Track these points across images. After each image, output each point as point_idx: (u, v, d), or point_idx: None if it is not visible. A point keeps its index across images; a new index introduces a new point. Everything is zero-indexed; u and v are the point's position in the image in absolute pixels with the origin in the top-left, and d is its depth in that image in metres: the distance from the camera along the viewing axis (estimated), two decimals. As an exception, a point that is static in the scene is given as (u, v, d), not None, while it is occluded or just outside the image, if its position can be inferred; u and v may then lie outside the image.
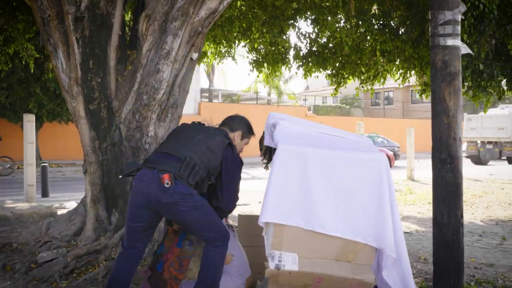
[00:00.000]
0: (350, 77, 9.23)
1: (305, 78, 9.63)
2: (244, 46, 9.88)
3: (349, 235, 2.70)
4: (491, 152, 19.25)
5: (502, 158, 20.12)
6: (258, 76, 11.33)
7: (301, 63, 9.41)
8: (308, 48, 9.36)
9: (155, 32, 4.66)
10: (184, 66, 5.04)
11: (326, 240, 2.70)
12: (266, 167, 4.48)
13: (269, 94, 34.83)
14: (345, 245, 2.71)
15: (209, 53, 10.44)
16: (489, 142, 19.34)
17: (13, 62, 12.58)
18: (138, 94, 4.77)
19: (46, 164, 10.47)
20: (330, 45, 9.11)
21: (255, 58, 9.63)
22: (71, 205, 7.51)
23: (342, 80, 9.25)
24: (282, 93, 34.02)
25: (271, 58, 9.32)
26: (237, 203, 3.46)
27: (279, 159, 2.83)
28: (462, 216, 3.60)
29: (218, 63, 11.70)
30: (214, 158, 3.10)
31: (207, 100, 31.03)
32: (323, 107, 38.94)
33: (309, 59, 9.23)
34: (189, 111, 27.73)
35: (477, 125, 19.86)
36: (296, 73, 27.62)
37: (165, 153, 3.06)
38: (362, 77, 9.21)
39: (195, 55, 5.16)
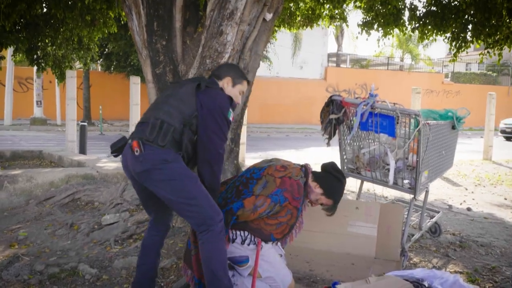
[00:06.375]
0: (474, 41, 7.98)
1: (421, 41, 8.60)
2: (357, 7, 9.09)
3: None
4: None
5: None
6: (372, 38, 10.19)
7: (417, 25, 8.38)
8: (426, 7, 8.27)
9: (218, -9, 4.31)
10: (256, 28, 4.63)
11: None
12: (328, 144, 4.00)
13: (402, 60, 32.64)
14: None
15: (324, 14, 9.82)
16: None
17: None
18: (202, 58, 4.52)
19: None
20: (455, 3, 7.94)
21: (364, 20, 8.80)
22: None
23: (463, 44, 8.05)
24: (417, 58, 31.63)
25: (382, 19, 8.43)
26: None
27: None
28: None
29: (332, 25, 11.02)
30: (185, 106, 2.73)
31: (334, 65, 30.12)
32: (464, 74, 35.53)
33: (426, 20, 8.17)
34: (315, 76, 27.28)
35: None
36: (434, 39, 25.41)
37: (139, 123, 2.83)
38: (489, 41, 7.90)
39: (268, 16, 4.73)
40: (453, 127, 4.09)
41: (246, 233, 2.90)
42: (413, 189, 3.71)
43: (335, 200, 3.03)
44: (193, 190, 2.66)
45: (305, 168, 3.03)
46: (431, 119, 4.07)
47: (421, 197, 4.11)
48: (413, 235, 4.18)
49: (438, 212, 4.77)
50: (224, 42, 4.43)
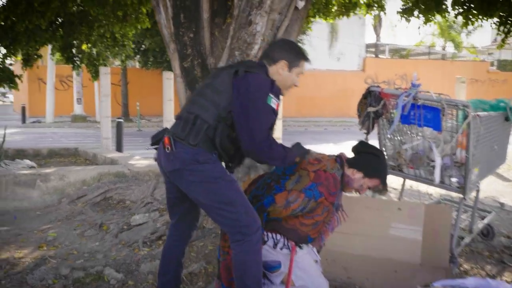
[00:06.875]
0: (525, 25, 7.42)
1: (465, 27, 8.10)
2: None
3: None
4: None
5: None
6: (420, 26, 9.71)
7: (460, 10, 7.87)
8: (472, -10, 7.76)
9: (246, -22, 4.07)
10: (288, 16, 4.37)
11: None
12: (366, 139, 3.71)
13: (443, 48, 31.51)
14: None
15: (361, 2, 9.44)
16: None
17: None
18: (231, 50, 4.29)
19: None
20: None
21: (404, 7, 8.36)
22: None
23: (511, 29, 7.50)
24: (460, 46, 30.45)
25: (423, 5, 7.97)
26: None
27: None
28: None
29: (369, 14, 10.55)
30: (221, 98, 2.42)
31: (373, 55, 29.37)
32: (511, 62, 33.98)
33: (471, 4, 7.65)
34: (353, 68, 26.69)
35: None
36: (479, 25, 24.37)
37: (176, 116, 2.59)
38: (542, 24, 7.33)
39: (301, 3, 4.45)
40: (507, 119, 3.72)
41: (279, 236, 2.65)
42: (462, 188, 3.37)
43: (380, 177, 2.74)
44: (228, 193, 2.41)
45: (340, 159, 2.76)
46: (481, 110, 3.70)
47: (471, 196, 3.76)
48: (462, 239, 3.82)
49: (489, 212, 4.38)
50: (253, 33, 4.19)
